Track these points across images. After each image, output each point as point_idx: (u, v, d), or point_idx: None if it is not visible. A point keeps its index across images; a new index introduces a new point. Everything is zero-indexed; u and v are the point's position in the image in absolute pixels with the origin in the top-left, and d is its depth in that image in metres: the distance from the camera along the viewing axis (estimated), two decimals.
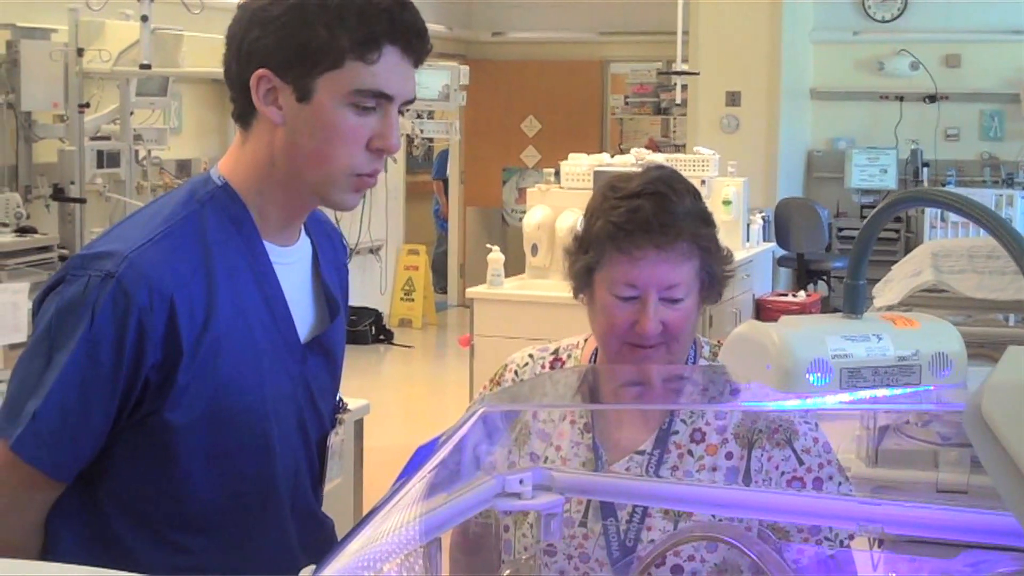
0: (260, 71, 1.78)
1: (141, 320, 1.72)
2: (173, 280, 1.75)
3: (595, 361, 2.17)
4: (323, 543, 2.00)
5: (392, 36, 1.77)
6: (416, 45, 1.81)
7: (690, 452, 2.06)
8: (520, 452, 2.08)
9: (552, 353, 2.23)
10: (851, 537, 1.96)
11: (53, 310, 1.76)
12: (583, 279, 2.08)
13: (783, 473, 2.05)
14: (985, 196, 8.78)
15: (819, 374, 1.30)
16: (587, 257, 2.05)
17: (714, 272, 2.05)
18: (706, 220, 2.05)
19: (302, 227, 1.97)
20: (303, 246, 1.97)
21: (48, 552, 1.83)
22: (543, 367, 2.21)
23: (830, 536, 1.99)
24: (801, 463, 2.05)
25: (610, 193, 2.05)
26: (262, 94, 1.79)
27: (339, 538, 2.06)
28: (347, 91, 1.77)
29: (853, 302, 1.36)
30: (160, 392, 1.76)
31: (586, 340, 2.22)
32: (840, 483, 2.07)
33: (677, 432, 2.07)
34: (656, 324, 1.99)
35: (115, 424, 1.78)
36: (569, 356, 2.22)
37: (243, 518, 1.88)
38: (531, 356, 2.24)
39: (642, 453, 2.07)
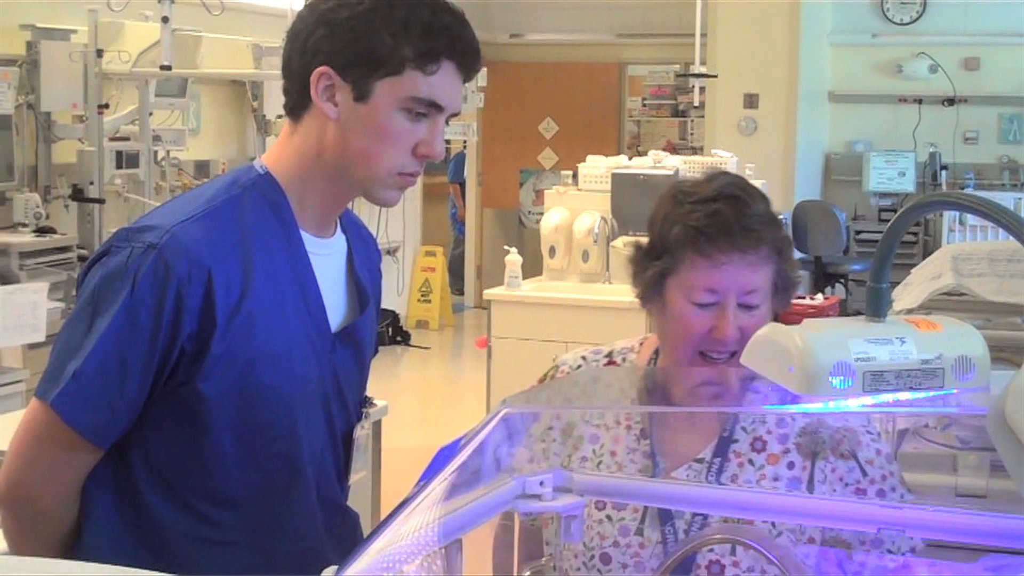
0: (322, 68, 1.86)
1: (180, 290, 1.80)
2: (211, 254, 1.82)
3: (654, 366, 2.13)
4: (349, 535, 2.05)
5: (451, 52, 1.88)
6: (471, 63, 1.92)
7: (751, 461, 2.02)
8: (572, 456, 2.07)
9: (606, 356, 2.20)
10: (913, 550, 1.92)
11: (98, 278, 1.84)
12: (654, 286, 2.04)
13: (847, 484, 2.01)
14: (1004, 199, 8.74)
15: (842, 377, 1.30)
16: (660, 263, 2.02)
17: (787, 277, 2.04)
18: (779, 224, 2.04)
19: (339, 224, 2.03)
20: (339, 241, 2.03)
21: (83, 519, 1.90)
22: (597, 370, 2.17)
23: (892, 548, 1.94)
24: (865, 474, 2.01)
25: (683, 198, 2.03)
26: (321, 89, 1.87)
27: (362, 533, 2.10)
28: (403, 97, 1.85)
29: (876, 305, 1.36)
30: (194, 362, 1.83)
31: (641, 343, 2.19)
32: (903, 495, 2.03)
33: (737, 440, 2.04)
34: (735, 329, 1.96)
35: (151, 393, 1.84)
36: (624, 359, 2.18)
37: (270, 497, 1.93)
38: (584, 358, 2.20)
39: (701, 461, 2.03)
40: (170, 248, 1.80)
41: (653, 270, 2.03)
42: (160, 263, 1.79)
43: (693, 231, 1.97)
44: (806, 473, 2.01)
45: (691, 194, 2.02)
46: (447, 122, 1.94)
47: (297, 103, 1.92)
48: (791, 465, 2.02)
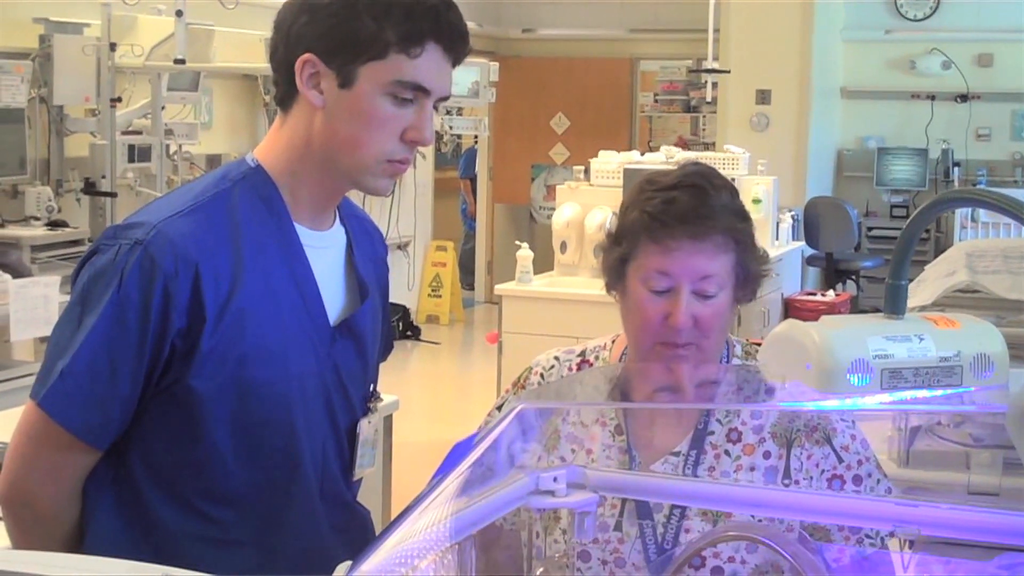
0: (306, 55, 1.84)
1: (167, 286, 1.78)
2: (199, 249, 1.81)
3: (624, 362, 2.14)
4: (356, 532, 2.04)
5: (436, 34, 1.84)
6: (457, 45, 1.88)
7: (727, 452, 2.03)
8: (550, 456, 2.06)
9: (579, 355, 2.20)
10: (891, 535, 1.94)
11: (86, 277, 1.83)
12: (616, 272, 2.06)
13: (823, 471, 2.03)
14: (1017, 196, 8.71)
15: (860, 375, 1.29)
16: (620, 249, 2.04)
17: (749, 268, 2.02)
18: (742, 216, 2.03)
19: (337, 216, 2.01)
20: (337, 233, 2.01)
21: (85, 520, 1.89)
22: (570, 369, 2.18)
23: (871, 534, 1.97)
24: (840, 460, 2.03)
25: (647, 186, 2.04)
26: (306, 77, 1.85)
27: (374, 530, 2.09)
28: (388, 81, 1.83)
29: (894, 302, 1.36)
30: (185, 359, 1.81)
31: (614, 341, 2.20)
32: (879, 480, 2.05)
33: (713, 432, 2.05)
34: (687, 317, 1.96)
35: (144, 392, 1.83)
36: (597, 358, 2.18)
37: (270, 494, 1.92)
38: (557, 358, 2.20)
39: (677, 454, 2.04)
40: (156, 244, 1.79)
41: (614, 255, 2.05)
42: (146, 259, 1.78)
43: (647, 217, 1.99)
44: (782, 462, 2.03)
45: (655, 183, 2.04)
46: (436, 108, 1.91)
47: (285, 94, 1.90)
48: (767, 454, 2.03)
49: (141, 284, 1.78)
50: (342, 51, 1.83)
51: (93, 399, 1.81)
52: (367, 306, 2.02)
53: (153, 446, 1.87)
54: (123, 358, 1.80)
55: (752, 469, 2.02)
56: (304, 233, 1.93)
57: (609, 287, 2.10)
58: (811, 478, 2.02)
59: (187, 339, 1.80)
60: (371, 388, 2.10)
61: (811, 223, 9.78)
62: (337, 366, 1.97)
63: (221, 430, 1.85)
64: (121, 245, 1.80)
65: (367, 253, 2.07)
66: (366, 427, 2.05)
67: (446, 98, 1.92)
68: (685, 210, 1.97)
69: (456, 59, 1.89)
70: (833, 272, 9.92)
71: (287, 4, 1.89)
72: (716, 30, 9.09)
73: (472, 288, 12.69)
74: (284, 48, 1.87)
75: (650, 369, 2.03)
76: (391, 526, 1.40)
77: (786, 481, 2.02)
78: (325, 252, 1.97)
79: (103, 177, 6.98)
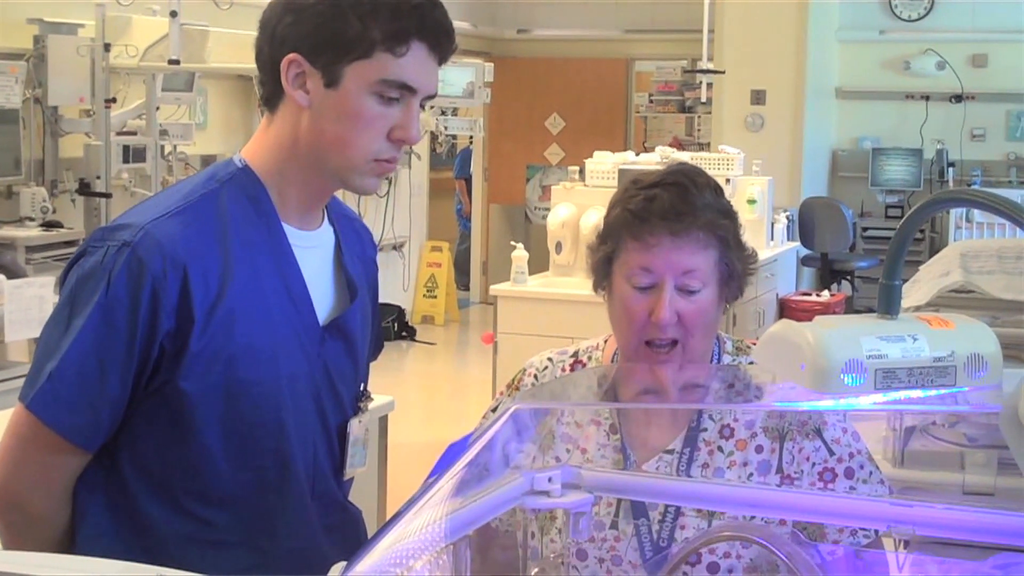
0: (291, 55, 1.84)
1: (155, 287, 1.78)
2: (187, 250, 1.81)
3: (616, 362, 2.15)
4: (348, 532, 2.04)
5: (421, 33, 1.84)
6: (443, 43, 1.88)
7: (720, 448, 2.04)
8: (545, 456, 2.06)
9: (572, 356, 2.21)
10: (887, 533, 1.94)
11: (74, 279, 1.83)
12: (602, 271, 2.08)
13: (814, 464, 2.04)
14: (1011, 197, 8.73)
15: (854, 375, 1.29)
16: (605, 248, 2.06)
17: (733, 265, 2.03)
18: (725, 213, 2.04)
19: (326, 216, 2.01)
20: (325, 233, 2.01)
21: (76, 523, 1.89)
22: (563, 370, 2.18)
23: (866, 529, 1.97)
24: (832, 453, 2.04)
25: (631, 186, 2.07)
26: (291, 77, 1.85)
27: (365, 530, 2.08)
28: (373, 80, 1.83)
29: (888, 302, 1.36)
30: (175, 360, 1.81)
31: (606, 341, 2.20)
32: (871, 472, 2.06)
33: (706, 429, 2.05)
34: (671, 313, 1.97)
35: (133, 394, 1.83)
36: (590, 358, 2.19)
37: (261, 495, 1.91)
38: (550, 359, 2.21)
39: (671, 452, 2.05)
40: (144, 246, 1.79)
41: (599, 254, 2.07)
42: (134, 261, 1.78)
43: (629, 214, 2.01)
44: (775, 456, 2.04)
45: (640, 182, 2.06)
46: (423, 106, 1.91)
47: (272, 93, 1.90)
48: (759, 449, 2.04)
49: (129, 286, 1.78)
50: (327, 51, 1.83)
51: (82, 401, 1.80)
52: (356, 306, 2.02)
53: (143, 447, 1.87)
54: (112, 360, 1.79)
55: (745, 464, 2.03)
56: (292, 233, 1.93)
57: (596, 286, 2.11)
58: (802, 472, 2.03)
59: (176, 340, 1.80)
60: (361, 388, 2.10)
61: (806, 223, 9.79)
62: (327, 366, 1.97)
63: (211, 431, 1.85)
64: (109, 247, 1.80)
65: (356, 253, 2.07)
66: (356, 427, 2.05)
67: (432, 96, 1.92)
68: (666, 207, 1.98)
69: (442, 57, 1.89)
70: (828, 272, 9.93)
71: (271, 4, 1.89)
72: (711, 31, 9.09)
73: (467, 288, 12.69)
74: (269, 48, 1.87)
75: (638, 370, 2.03)
76: (386, 526, 1.40)
77: (778, 475, 2.03)
78: (314, 252, 1.97)
79: (98, 178, 6.98)
